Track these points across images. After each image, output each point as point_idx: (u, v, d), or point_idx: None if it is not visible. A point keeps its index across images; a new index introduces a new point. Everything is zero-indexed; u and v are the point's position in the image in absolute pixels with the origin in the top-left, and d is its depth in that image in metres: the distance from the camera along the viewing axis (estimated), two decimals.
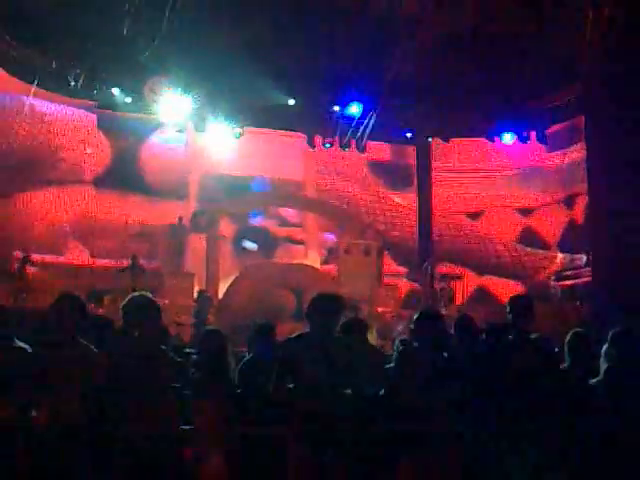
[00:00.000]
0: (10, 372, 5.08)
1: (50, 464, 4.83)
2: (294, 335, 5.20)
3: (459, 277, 18.16)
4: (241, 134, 17.69)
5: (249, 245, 18.38)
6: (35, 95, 15.83)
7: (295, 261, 18.31)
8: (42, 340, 5.27)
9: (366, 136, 18.04)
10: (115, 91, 15.41)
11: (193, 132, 17.74)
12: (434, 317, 5.54)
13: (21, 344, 5.34)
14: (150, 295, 5.50)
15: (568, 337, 5.40)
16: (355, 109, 17.41)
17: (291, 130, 18.69)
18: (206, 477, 5.43)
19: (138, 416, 4.98)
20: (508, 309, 5.45)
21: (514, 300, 5.55)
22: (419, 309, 5.81)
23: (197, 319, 13.78)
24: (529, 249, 19.79)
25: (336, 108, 17.46)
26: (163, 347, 5.32)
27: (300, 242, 19.46)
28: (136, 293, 5.83)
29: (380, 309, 15.21)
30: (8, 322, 5.46)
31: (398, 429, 5.04)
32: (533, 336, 5.40)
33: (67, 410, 4.95)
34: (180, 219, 17.31)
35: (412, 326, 5.51)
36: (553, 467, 4.95)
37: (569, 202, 19.14)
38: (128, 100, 15.58)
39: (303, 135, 18.65)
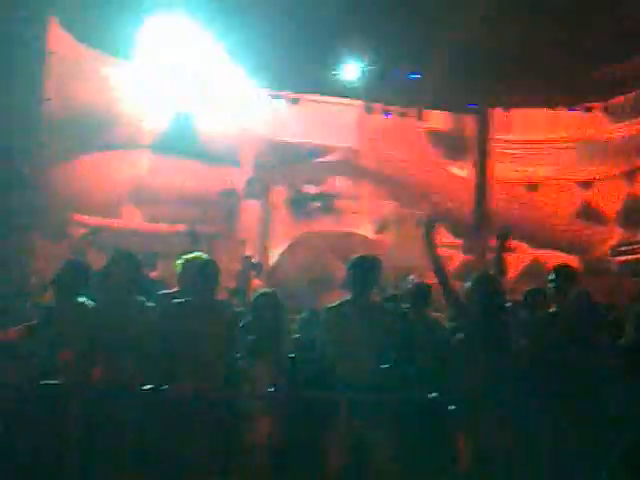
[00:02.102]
0: (72, 327, 5.14)
1: (103, 420, 4.88)
2: (336, 303, 5.20)
3: (513, 249, 17.86)
4: (297, 101, 17.60)
5: None
6: (95, 58, 15.98)
7: (347, 230, 18.23)
8: (99, 297, 5.33)
9: (425, 105, 17.80)
10: None
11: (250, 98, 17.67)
12: (490, 280, 5.45)
13: (83, 300, 5.39)
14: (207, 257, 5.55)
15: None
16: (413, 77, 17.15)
17: (348, 97, 18.49)
18: (254, 440, 5.43)
19: (191, 376, 5.02)
20: (553, 277, 5.32)
21: (559, 269, 5.42)
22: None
23: (237, 284, 13.80)
24: (587, 223, 19.36)
25: (395, 75, 17.22)
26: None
27: (353, 211, 19.33)
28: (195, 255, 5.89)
29: (432, 281, 15.04)
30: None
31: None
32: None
33: (121, 367, 5.00)
34: (231, 184, 17.32)
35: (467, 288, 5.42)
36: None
37: (630, 176, 18.63)
38: None
39: (360, 103, 18.45)
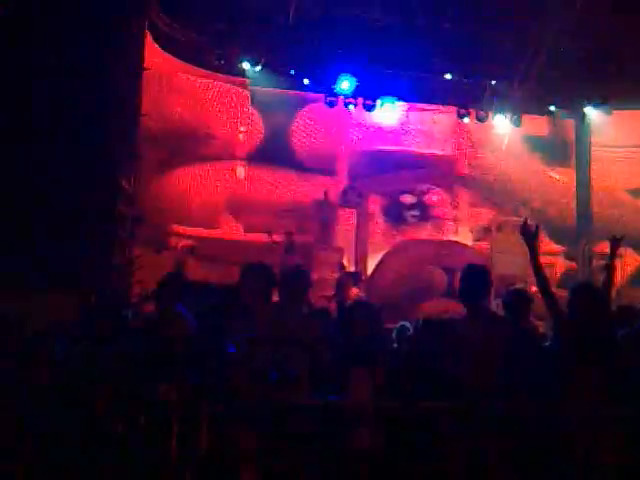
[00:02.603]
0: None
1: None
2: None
3: (619, 256, 17.27)
4: (393, 108, 17.52)
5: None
6: (190, 72, 16.30)
7: (446, 238, 18.03)
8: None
9: (522, 110, 17.44)
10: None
11: (343, 107, 17.68)
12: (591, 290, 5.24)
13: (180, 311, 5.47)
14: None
15: None
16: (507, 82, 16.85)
17: (443, 104, 18.30)
18: (354, 450, 5.35)
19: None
20: None
21: None
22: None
23: (337, 293, 13.79)
24: None
25: (491, 82, 16.95)
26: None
27: (451, 219, 19.08)
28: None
29: (535, 288, 14.69)
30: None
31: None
32: None
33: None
34: (325, 193, 17.38)
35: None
36: None
37: None
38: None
39: (455, 109, 18.23)
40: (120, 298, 10.66)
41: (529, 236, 5.19)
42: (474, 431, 4.80)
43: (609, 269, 5.53)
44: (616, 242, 5.62)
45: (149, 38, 14.13)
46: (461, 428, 4.86)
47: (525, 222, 5.32)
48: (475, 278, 5.21)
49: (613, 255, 5.57)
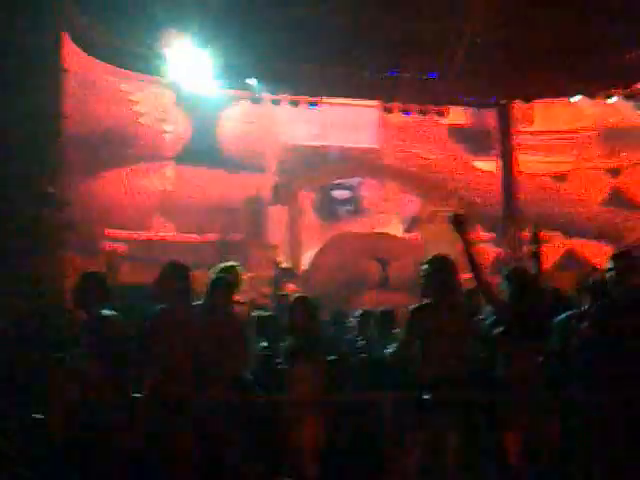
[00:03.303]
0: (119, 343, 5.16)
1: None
2: (418, 305, 5.20)
3: (546, 241, 17.68)
4: (316, 104, 17.60)
5: None
6: (112, 74, 16.07)
7: (378, 230, 18.19)
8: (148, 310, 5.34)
9: (445, 101, 17.70)
10: None
11: (271, 104, 17.69)
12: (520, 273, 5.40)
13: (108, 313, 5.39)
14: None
15: None
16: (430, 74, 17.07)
17: (367, 98, 18.43)
18: (301, 444, 5.39)
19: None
20: (612, 266, 5.16)
21: (618, 256, 5.28)
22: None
23: (274, 290, 13.83)
24: (618, 210, 19.17)
25: (413, 74, 17.14)
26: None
27: (381, 211, 19.27)
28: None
29: (466, 276, 14.94)
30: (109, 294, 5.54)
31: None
32: None
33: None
34: (258, 191, 17.37)
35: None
36: None
37: None
38: None
39: (380, 103, 18.39)
40: (52, 305, 10.43)
41: (459, 227, 5.24)
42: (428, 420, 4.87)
43: (535, 256, 5.66)
44: (536, 231, 5.79)
45: (69, 40, 13.89)
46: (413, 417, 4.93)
47: (455, 213, 5.39)
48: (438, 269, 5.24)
49: (536, 243, 5.71)
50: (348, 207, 18.80)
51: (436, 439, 4.85)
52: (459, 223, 5.24)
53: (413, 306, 5.20)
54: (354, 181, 19.18)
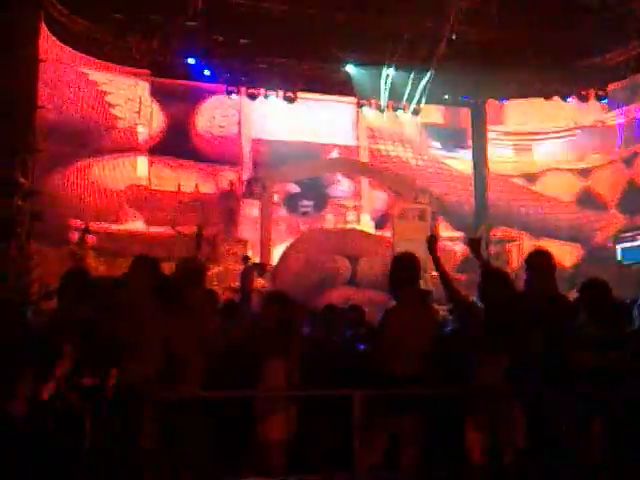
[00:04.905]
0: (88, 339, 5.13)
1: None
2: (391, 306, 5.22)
3: (515, 240, 17.86)
4: (293, 100, 17.65)
5: None
6: (88, 64, 15.99)
7: (348, 227, 18.24)
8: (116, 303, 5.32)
9: (420, 99, 17.80)
10: None
11: (245, 98, 17.71)
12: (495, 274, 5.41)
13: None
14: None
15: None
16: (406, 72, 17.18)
17: (343, 95, 18.49)
18: (271, 436, 5.39)
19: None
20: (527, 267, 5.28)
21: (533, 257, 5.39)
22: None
23: (241, 284, 13.82)
24: (587, 210, 19.32)
25: (389, 71, 17.23)
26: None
27: (353, 208, 19.29)
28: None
29: (435, 274, 15.02)
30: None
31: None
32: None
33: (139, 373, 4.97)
34: (231, 185, 17.36)
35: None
36: None
37: (629, 162, 18.57)
38: None
39: (355, 100, 18.47)
40: (19, 295, 10.37)
41: (430, 244, 5.31)
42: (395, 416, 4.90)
43: (484, 267, 5.61)
44: (474, 243, 5.82)
45: (45, 29, 13.80)
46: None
47: (430, 236, 5.44)
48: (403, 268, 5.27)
49: (476, 254, 5.68)
50: (319, 203, 18.80)
51: (402, 437, 4.89)
52: (431, 242, 5.31)
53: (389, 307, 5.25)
54: (327, 177, 19.19)
